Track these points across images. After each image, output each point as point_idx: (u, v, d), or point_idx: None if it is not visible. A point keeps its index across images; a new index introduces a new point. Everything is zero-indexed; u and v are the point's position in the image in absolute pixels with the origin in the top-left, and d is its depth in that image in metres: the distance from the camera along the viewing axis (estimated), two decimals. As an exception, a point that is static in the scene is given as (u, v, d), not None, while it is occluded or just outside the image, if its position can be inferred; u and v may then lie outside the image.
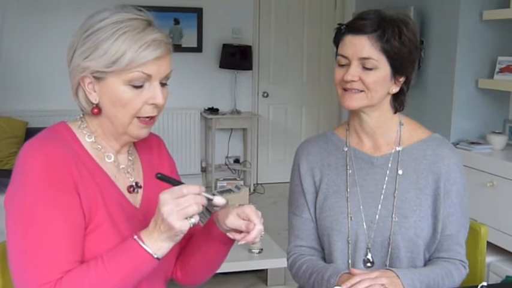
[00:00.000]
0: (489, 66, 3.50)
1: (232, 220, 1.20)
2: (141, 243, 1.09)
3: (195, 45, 5.41)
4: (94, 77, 1.16)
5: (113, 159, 1.25)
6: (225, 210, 1.23)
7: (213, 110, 5.41)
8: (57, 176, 1.11)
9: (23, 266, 1.09)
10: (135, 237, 1.10)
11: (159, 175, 1.12)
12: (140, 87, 1.17)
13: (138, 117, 1.19)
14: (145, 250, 1.09)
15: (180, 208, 1.06)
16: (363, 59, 1.40)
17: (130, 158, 1.30)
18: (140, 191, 1.29)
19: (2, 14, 4.82)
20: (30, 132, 4.48)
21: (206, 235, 1.31)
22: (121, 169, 1.26)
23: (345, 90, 1.44)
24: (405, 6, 3.80)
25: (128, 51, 1.13)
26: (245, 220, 1.18)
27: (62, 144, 1.16)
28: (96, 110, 1.20)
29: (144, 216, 1.25)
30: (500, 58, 3.39)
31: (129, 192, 1.26)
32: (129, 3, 1.25)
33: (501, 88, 3.33)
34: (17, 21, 4.91)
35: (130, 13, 1.17)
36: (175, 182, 1.11)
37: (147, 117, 1.20)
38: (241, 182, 4.23)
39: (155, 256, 1.10)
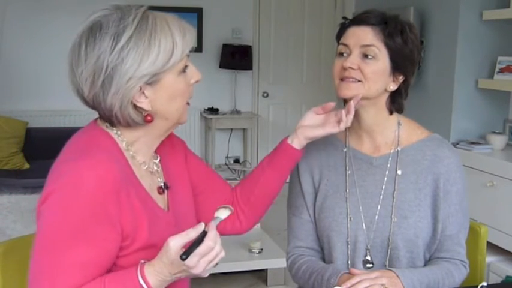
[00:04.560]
0: (489, 66, 3.50)
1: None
2: (143, 283, 1.08)
3: (195, 45, 5.40)
4: (147, 83, 1.11)
5: (147, 166, 1.23)
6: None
7: (213, 110, 5.41)
8: (104, 204, 1.08)
9: (38, 280, 1.08)
10: (142, 281, 1.08)
11: (183, 257, 1.05)
12: (185, 71, 1.17)
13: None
14: None
15: (209, 263, 1.08)
16: (365, 47, 1.40)
17: (155, 160, 1.29)
18: (166, 191, 1.28)
19: (3, 14, 4.82)
20: (30, 132, 4.48)
21: (272, 155, 1.42)
22: (152, 173, 1.25)
23: (342, 80, 1.43)
24: (405, 6, 3.79)
25: (176, 42, 1.12)
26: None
27: (114, 161, 1.12)
28: (150, 118, 1.15)
29: (175, 219, 1.25)
30: (500, 58, 3.38)
31: (159, 193, 1.25)
32: (130, 3, 1.24)
33: (501, 88, 3.33)
34: (17, 21, 4.91)
35: (129, 9, 1.14)
36: (196, 245, 1.08)
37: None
38: (241, 182, 4.23)
39: None
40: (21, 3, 4.90)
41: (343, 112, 1.37)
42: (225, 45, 5.35)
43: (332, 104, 1.40)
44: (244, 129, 5.66)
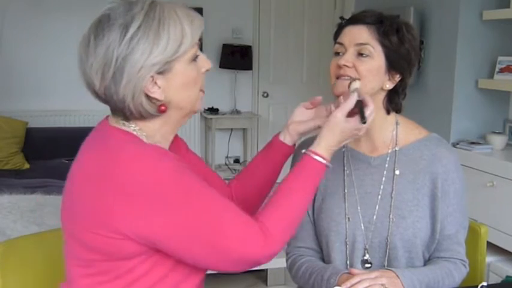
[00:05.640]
0: (489, 66, 3.50)
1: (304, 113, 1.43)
2: (319, 158, 1.23)
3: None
4: (158, 73, 1.11)
5: None
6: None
7: (213, 110, 5.41)
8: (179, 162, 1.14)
9: (225, 232, 1.09)
10: (316, 157, 1.23)
11: (364, 121, 1.27)
12: (195, 60, 1.17)
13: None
14: (323, 163, 1.24)
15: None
16: (360, 45, 1.40)
17: None
18: None
19: (3, 14, 4.82)
20: (30, 132, 4.48)
21: (265, 153, 1.45)
22: None
23: (338, 78, 1.43)
24: (405, 6, 3.79)
25: (185, 29, 1.11)
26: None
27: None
28: (164, 107, 1.15)
29: None
30: (500, 58, 3.38)
31: None
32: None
33: (501, 88, 3.32)
34: (17, 20, 4.91)
35: (136, 1, 1.13)
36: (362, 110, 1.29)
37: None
38: (241, 182, 4.23)
39: (326, 163, 1.25)
40: (21, 3, 4.90)
41: (333, 105, 1.37)
42: (225, 45, 5.35)
43: (320, 98, 1.45)
44: (244, 129, 5.66)
